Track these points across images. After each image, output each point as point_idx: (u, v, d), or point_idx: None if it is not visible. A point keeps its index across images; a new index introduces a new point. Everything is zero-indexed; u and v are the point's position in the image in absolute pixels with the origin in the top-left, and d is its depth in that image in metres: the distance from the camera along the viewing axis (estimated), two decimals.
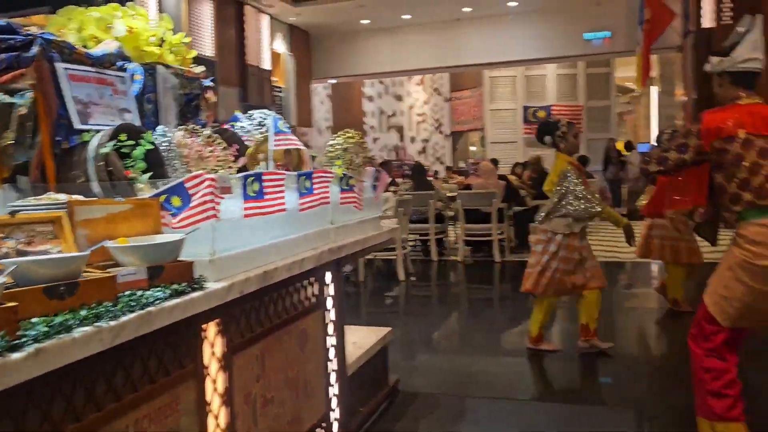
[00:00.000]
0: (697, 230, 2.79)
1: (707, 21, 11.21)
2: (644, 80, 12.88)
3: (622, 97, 22.37)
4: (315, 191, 2.41)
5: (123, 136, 1.90)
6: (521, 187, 8.65)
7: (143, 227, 1.76)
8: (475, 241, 7.77)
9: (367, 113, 17.94)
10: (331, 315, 2.57)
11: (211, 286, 1.69)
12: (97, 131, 1.99)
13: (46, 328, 1.19)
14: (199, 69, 2.59)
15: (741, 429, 2.44)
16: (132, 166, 1.91)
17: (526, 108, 16.98)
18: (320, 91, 16.73)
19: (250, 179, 1.97)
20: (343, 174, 2.65)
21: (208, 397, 1.73)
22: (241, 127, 2.69)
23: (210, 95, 2.68)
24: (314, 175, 2.41)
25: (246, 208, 1.95)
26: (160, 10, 8.19)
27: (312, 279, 2.40)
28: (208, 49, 10.12)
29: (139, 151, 1.91)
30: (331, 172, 2.55)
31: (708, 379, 2.47)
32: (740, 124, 2.42)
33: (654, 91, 21.09)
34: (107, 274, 1.44)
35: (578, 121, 16.95)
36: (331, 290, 2.56)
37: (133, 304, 1.43)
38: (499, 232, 7.42)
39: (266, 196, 2.06)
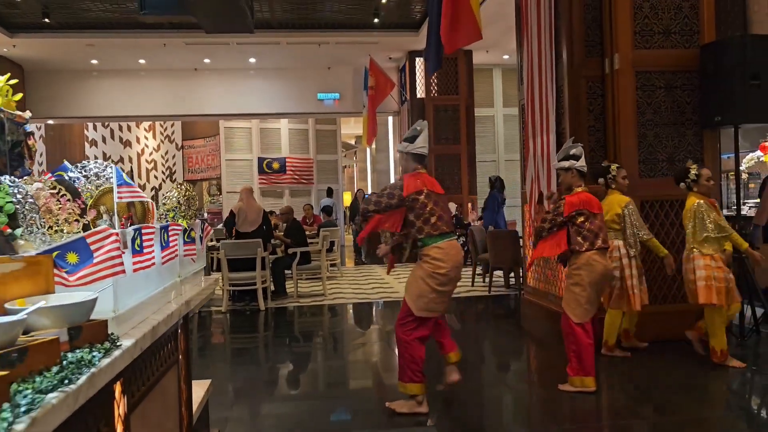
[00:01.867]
0: (393, 252, 4.13)
1: (420, 92, 13.19)
2: (370, 139, 14.44)
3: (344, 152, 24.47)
4: (171, 244, 2.41)
5: None
6: (278, 237, 8.96)
7: (34, 287, 1.63)
8: (238, 291, 7.80)
9: (90, 158, 16.48)
10: (182, 369, 2.53)
11: (125, 343, 1.65)
12: None
13: (32, 396, 1.12)
14: (27, 114, 2.38)
15: (421, 388, 3.83)
16: None
17: (261, 159, 17.48)
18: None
19: (136, 233, 1.94)
20: (187, 226, 2.66)
21: None
22: (73, 177, 2.52)
23: (32, 142, 2.48)
24: (171, 228, 2.41)
25: (134, 263, 1.91)
26: None
27: (170, 334, 2.36)
28: None
29: (10, 206, 1.75)
30: (180, 225, 2.56)
31: (408, 356, 3.79)
32: (424, 184, 3.88)
33: (368, 148, 23.54)
34: (52, 338, 1.35)
35: (309, 173, 18.08)
36: (181, 344, 2.53)
37: (77, 367, 1.36)
38: (262, 279, 7.59)
39: (145, 250, 2.04)
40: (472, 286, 8.93)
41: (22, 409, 1.06)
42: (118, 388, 1.70)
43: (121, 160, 17.36)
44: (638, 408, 3.93)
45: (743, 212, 5.90)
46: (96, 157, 16.87)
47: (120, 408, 1.72)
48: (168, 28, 11.00)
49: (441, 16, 5.95)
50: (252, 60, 13.33)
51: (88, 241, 1.71)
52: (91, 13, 10.30)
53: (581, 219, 4.26)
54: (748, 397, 4.30)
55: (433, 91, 12.95)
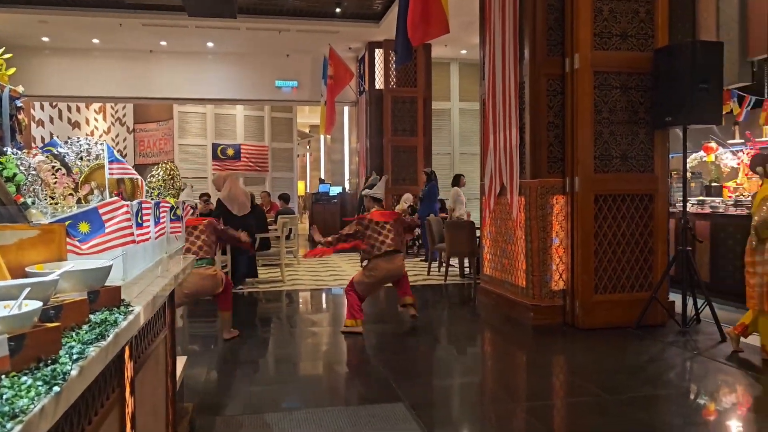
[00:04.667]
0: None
1: (378, 83, 13.31)
2: (328, 128, 14.48)
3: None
4: (161, 221, 2.47)
5: (3, 159, 1.77)
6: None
7: (49, 254, 1.69)
8: None
9: (37, 139, 15.91)
10: (168, 342, 2.60)
11: (135, 309, 1.72)
12: None
13: (80, 347, 1.20)
14: (20, 88, 2.40)
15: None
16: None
17: (215, 145, 17.28)
18: None
19: (139, 206, 2.01)
20: (175, 204, 2.72)
21: (127, 426, 1.74)
22: (62, 153, 2.54)
23: (22, 116, 2.49)
24: (161, 204, 2.47)
25: (138, 235, 1.98)
26: None
27: (161, 307, 2.43)
28: None
29: (21, 177, 1.79)
30: (168, 203, 2.62)
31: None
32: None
33: (322, 137, 23.54)
34: (81, 298, 1.43)
35: (264, 161, 17.98)
36: (168, 318, 2.60)
37: (105, 327, 1.44)
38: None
39: (144, 224, 2.10)
40: (428, 275, 9.15)
41: (74, 357, 1.15)
42: (127, 352, 1.78)
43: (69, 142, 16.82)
44: (589, 386, 4.19)
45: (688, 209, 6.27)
46: (42, 138, 16.30)
47: (128, 371, 1.79)
48: (126, 8, 10.76)
49: (409, 8, 6.09)
50: (210, 44, 13.16)
51: (101, 211, 1.77)
52: None
53: (368, 232, 5.46)
54: (689, 377, 4.63)
55: (392, 83, 13.09)
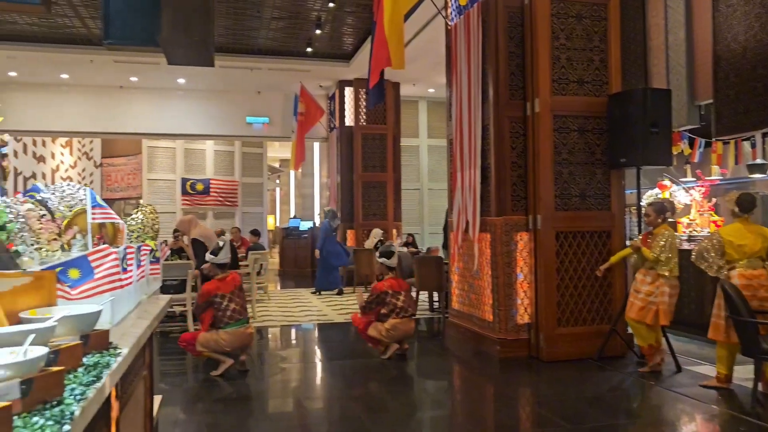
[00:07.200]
0: None
1: (349, 120, 13.58)
2: (297, 164, 14.65)
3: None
4: (142, 263, 2.58)
5: None
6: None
7: (40, 299, 1.79)
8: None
9: None
10: (147, 382, 2.68)
11: (123, 351, 1.83)
12: None
13: (81, 389, 1.31)
14: (6, 136, 2.51)
15: None
16: None
17: (184, 180, 17.25)
18: None
19: (124, 253, 2.13)
20: (155, 247, 2.83)
21: None
22: (45, 198, 2.64)
23: (6, 163, 2.60)
24: (142, 248, 2.58)
25: (123, 279, 2.09)
26: None
27: (142, 348, 2.52)
28: None
29: (13, 225, 1.91)
30: (149, 246, 2.73)
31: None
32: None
33: (293, 172, 23.66)
34: (77, 343, 1.54)
35: (234, 195, 18.01)
36: (147, 359, 2.68)
37: (99, 369, 1.55)
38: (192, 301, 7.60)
39: (128, 269, 2.22)
40: None
41: (77, 398, 1.26)
42: (113, 392, 1.88)
43: (34, 176, 16.62)
44: (554, 418, 4.35)
45: None
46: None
47: (114, 411, 1.89)
48: (98, 45, 10.84)
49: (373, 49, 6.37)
50: (181, 81, 13.29)
51: (90, 258, 1.89)
52: (16, 26, 10.03)
53: (387, 297, 5.93)
54: (646, 407, 4.83)
55: (362, 120, 13.36)
